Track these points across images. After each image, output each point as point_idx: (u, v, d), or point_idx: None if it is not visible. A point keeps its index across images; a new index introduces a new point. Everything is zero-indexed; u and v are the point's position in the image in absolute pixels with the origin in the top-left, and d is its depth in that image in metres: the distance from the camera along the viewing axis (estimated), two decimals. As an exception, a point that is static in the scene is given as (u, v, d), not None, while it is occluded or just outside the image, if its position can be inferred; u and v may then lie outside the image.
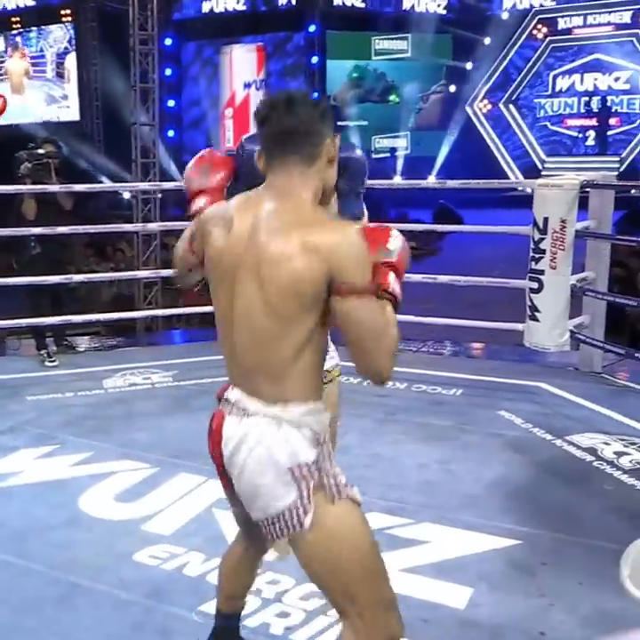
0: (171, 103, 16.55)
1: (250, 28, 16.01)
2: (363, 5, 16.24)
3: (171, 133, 16.30)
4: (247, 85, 16.12)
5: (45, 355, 4.92)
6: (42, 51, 14.97)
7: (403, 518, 2.88)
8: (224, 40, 16.44)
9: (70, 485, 3.15)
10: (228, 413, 1.52)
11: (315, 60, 16.53)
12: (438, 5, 17.20)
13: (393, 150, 17.22)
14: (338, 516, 1.49)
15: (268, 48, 16.32)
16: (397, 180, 14.68)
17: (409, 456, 3.49)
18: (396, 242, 1.53)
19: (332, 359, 2.43)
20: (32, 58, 15.10)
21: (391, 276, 1.50)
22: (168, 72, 16.07)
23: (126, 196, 12.16)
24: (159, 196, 7.70)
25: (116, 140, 12.46)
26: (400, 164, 16.76)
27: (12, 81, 15.38)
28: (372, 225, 1.64)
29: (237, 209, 1.53)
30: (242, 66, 16.12)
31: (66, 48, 14.69)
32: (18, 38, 15.27)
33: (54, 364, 4.88)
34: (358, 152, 2.22)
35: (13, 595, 2.40)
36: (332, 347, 2.41)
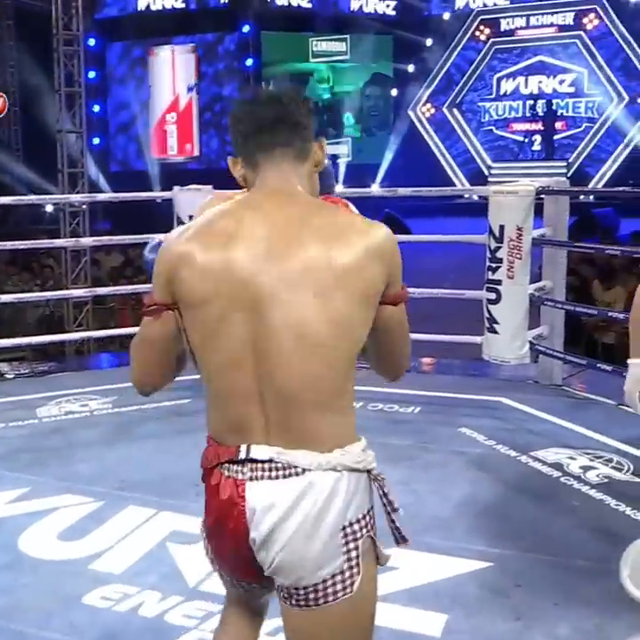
0: (96, 108, 16.38)
1: (179, 28, 16.00)
2: (303, 5, 16.42)
3: (96, 141, 16.11)
4: (190, 89, 16.08)
5: (-30, 383, 4.80)
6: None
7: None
8: (153, 40, 16.37)
9: (7, 525, 3.08)
10: (251, 478, 1.29)
11: (249, 62, 16.62)
12: (387, 6, 17.52)
13: (334, 157, 17.41)
14: (373, 581, 1.38)
15: (199, 50, 16.33)
16: (340, 189, 14.82)
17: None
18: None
19: None
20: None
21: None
22: (92, 75, 15.88)
23: (49, 208, 11.95)
24: (85, 208, 7.62)
25: (37, 149, 12.25)
26: (342, 171, 16.96)
27: None
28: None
29: (231, 215, 1.35)
30: (182, 68, 16.07)
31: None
32: None
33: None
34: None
35: (-48, 648, 2.33)
36: None
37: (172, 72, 16.51)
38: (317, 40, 17.08)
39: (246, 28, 16.29)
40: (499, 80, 18.23)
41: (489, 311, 4.48)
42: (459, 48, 18.39)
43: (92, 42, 15.56)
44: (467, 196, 12.69)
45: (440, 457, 3.77)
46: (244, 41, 16.38)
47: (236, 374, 1.30)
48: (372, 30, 16.97)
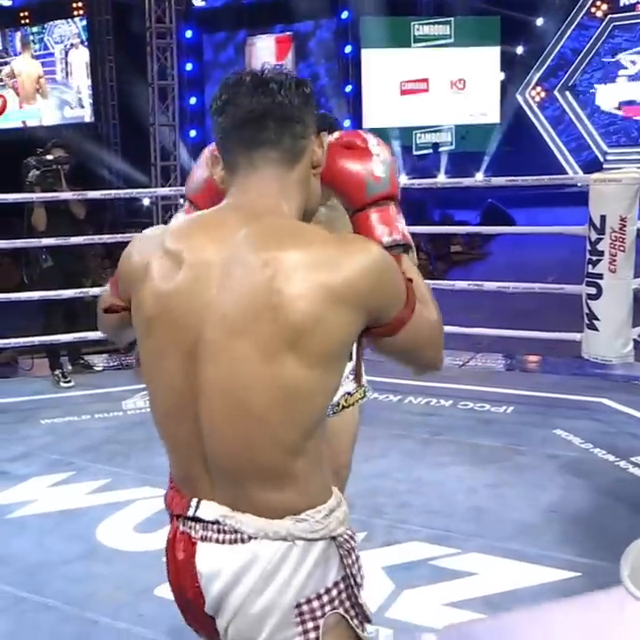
0: (192, 101, 16.74)
1: (277, 17, 16.18)
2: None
3: (193, 133, 16.48)
4: None
5: (60, 375, 5.04)
6: (46, 48, 15.29)
7: (448, 548, 2.90)
8: (250, 30, 16.63)
9: (87, 515, 3.23)
10: (203, 538, 1.16)
11: (348, 49, 16.62)
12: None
13: (435, 146, 17.22)
14: None
15: (296, 38, 16.47)
16: (441, 179, 14.65)
17: (456, 480, 3.50)
18: (382, 159, 1.23)
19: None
20: (40, 57, 15.44)
21: (395, 216, 1.23)
22: (189, 67, 16.27)
23: (146, 202, 12.37)
24: (181, 201, 7.83)
25: (133, 143, 12.69)
26: (444, 160, 16.74)
27: (24, 87, 15.69)
28: (338, 136, 1.28)
29: (188, 238, 1.15)
30: (263, 58, 16.27)
31: (72, 44, 15.00)
32: (20, 33, 15.54)
33: (69, 384, 4.99)
34: None
35: (27, 633, 2.47)
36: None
37: (251, 64, 16.74)
38: (419, 24, 16.92)
39: (345, 14, 16.30)
40: (617, 59, 17.56)
41: (589, 307, 4.34)
42: (572, 26, 17.82)
43: (188, 34, 15.94)
44: (580, 184, 12.29)
45: (531, 460, 3.70)
46: (342, 27, 16.41)
47: (177, 424, 1.16)
48: (477, 11, 16.66)
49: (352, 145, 1.24)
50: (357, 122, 15.97)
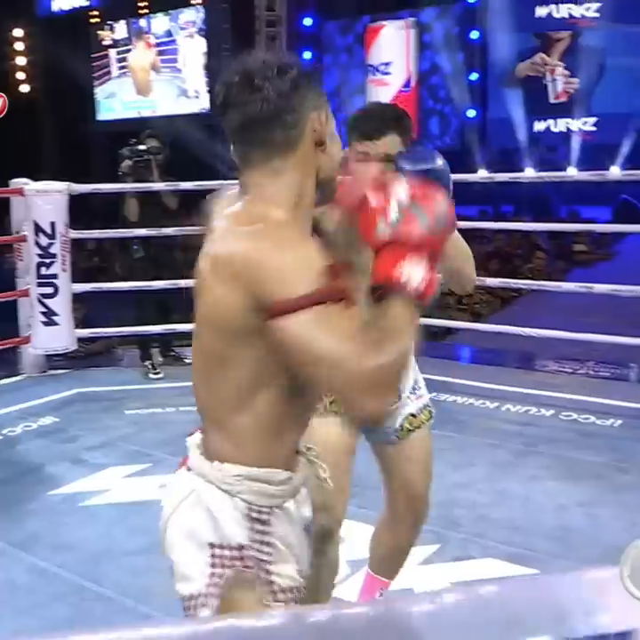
0: (310, 90, 17.02)
1: (401, 3, 16.11)
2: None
3: (309, 124, 16.72)
4: (372, 69, 16.16)
5: (150, 366, 5.21)
6: (170, 35, 15.79)
7: (527, 568, 2.81)
8: (372, 17, 16.63)
9: (156, 508, 3.29)
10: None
11: (475, 34, 16.34)
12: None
13: (565, 136, 16.68)
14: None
15: (418, 24, 16.34)
16: (572, 172, 14.17)
17: (545, 495, 3.40)
18: (401, 205, 1.19)
19: (420, 399, 2.22)
20: (158, 45, 15.96)
21: (399, 262, 1.16)
22: (307, 55, 16.44)
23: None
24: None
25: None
26: (575, 152, 16.20)
27: (137, 79, 16.26)
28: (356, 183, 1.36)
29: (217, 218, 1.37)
30: (385, 46, 16.19)
31: (190, 34, 15.42)
32: (142, 22, 16.05)
33: (158, 376, 5.15)
34: (439, 162, 1.89)
35: (81, 621, 2.56)
36: (420, 382, 2.25)
37: (369, 52, 16.63)
38: (554, 6, 16.42)
39: (473, -3, 16.04)
40: None
41: None
42: None
43: (308, 21, 16.12)
44: None
45: (634, 479, 3.55)
46: (469, 12, 16.15)
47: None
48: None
49: (378, 188, 1.22)
50: (483, 110, 15.74)
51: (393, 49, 16.34)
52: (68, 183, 4.89)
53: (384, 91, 15.75)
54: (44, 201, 4.73)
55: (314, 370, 1.16)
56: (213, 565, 1.28)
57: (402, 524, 2.31)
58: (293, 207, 1.27)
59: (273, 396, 1.27)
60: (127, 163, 5.11)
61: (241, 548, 1.29)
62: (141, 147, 5.18)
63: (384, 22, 16.64)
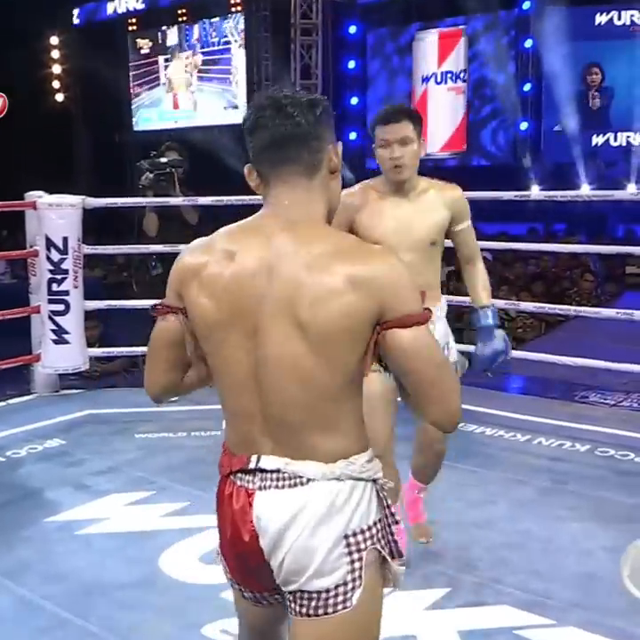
0: (354, 101, 16.98)
1: (449, 10, 16.09)
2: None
3: (353, 136, 16.70)
4: (425, 79, 16.17)
5: (165, 388, 5.21)
6: (214, 45, 16.01)
7: (542, 617, 2.74)
8: (420, 24, 16.64)
9: (154, 539, 3.31)
10: (260, 488, 1.49)
11: (528, 43, 16.25)
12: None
13: (625, 151, 16.47)
14: (377, 598, 1.53)
15: (468, 31, 16.31)
16: (632, 190, 13.95)
17: (570, 538, 3.31)
18: None
19: (451, 353, 2.95)
20: (204, 55, 16.18)
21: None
22: (351, 65, 16.50)
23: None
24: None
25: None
26: (635, 168, 15.96)
27: (175, 88, 16.48)
28: None
29: (237, 240, 1.51)
30: (422, 56, 16.19)
31: (228, 42, 15.60)
32: (195, 29, 16.21)
33: (173, 399, 5.14)
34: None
35: (62, 657, 2.55)
36: (451, 340, 3.00)
37: (414, 61, 16.63)
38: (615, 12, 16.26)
39: (527, 5, 15.96)
40: None
41: None
42: None
43: (352, 29, 16.19)
44: None
45: (670, 524, 3.42)
46: (522, 19, 16.07)
47: (242, 394, 1.50)
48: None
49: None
50: (537, 123, 15.60)
51: (434, 58, 16.35)
52: (82, 197, 4.95)
53: (421, 101, 15.76)
54: (57, 215, 4.80)
55: (436, 372, 1.45)
56: (350, 553, 1.47)
57: (425, 453, 3.18)
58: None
59: (360, 385, 1.50)
60: (148, 176, 5.15)
61: (370, 527, 1.49)
62: (162, 159, 5.22)
63: (432, 30, 16.66)
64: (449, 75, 16.25)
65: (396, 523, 1.54)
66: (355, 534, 1.47)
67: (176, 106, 16.57)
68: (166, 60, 16.47)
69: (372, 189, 2.87)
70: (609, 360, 4.81)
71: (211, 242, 1.53)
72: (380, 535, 1.50)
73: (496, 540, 3.29)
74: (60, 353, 4.99)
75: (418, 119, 2.79)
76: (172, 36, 16.29)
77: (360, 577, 1.47)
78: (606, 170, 15.44)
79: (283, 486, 1.47)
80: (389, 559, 1.51)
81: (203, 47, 16.02)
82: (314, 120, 1.48)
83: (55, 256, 4.86)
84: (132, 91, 17.01)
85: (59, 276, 4.90)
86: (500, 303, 6.10)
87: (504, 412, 4.86)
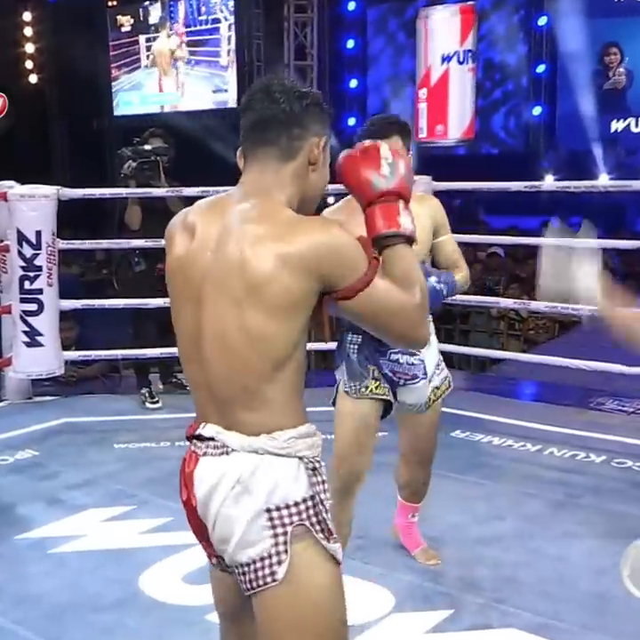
0: (353, 83, 17.00)
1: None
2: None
3: (351, 122, 16.73)
4: (446, 59, 16.13)
5: (147, 394, 5.25)
6: (202, 24, 15.97)
7: (552, 641, 2.76)
8: (424, 1, 16.64)
9: (135, 557, 3.33)
10: (203, 453, 1.65)
11: (542, 21, 16.26)
12: None
13: (645, 139, 16.48)
14: (317, 572, 1.63)
15: (478, 8, 16.31)
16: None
17: (583, 556, 3.34)
18: (389, 163, 1.66)
19: (442, 371, 3.08)
20: (191, 34, 16.15)
21: (399, 211, 1.64)
22: (350, 44, 16.52)
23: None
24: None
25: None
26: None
27: (162, 67, 16.50)
28: (353, 150, 1.73)
29: (201, 212, 1.70)
30: (441, 34, 16.16)
31: (216, 19, 15.54)
32: (180, 5, 16.10)
33: (156, 405, 5.19)
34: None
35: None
36: (440, 358, 3.11)
37: (425, 40, 16.61)
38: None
39: (541, -21, 15.97)
40: None
41: None
42: None
43: (351, 5, 16.20)
44: None
45: (692, 540, 3.44)
46: (536, -6, 16.07)
47: (191, 363, 1.68)
48: None
49: (364, 151, 1.69)
50: (551, 107, 15.60)
51: (442, 37, 16.33)
52: (57, 188, 4.97)
53: (441, 82, 15.75)
54: (29, 207, 4.82)
55: (391, 321, 1.61)
56: (273, 527, 1.58)
57: (413, 463, 3.17)
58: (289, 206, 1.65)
59: (298, 362, 1.62)
60: (130, 164, 5.15)
61: (297, 504, 1.60)
62: (146, 147, 5.23)
63: (439, 6, 16.64)
64: (470, 54, 16.15)
65: (324, 504, 1.63)
66: (278, 509, 1.59)
67: (160, 89, 16.52)
68: (148, 40, 16.42)
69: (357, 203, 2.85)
70: (627, 364, 4.82)
71: (186, 213, 1.73)
72: (310, 512, 1.61)
73: (503, 558, 3.32)
74: (32, 356, 5.00)
75: (407, 132, 2.89)
76: (156, 13, 16.21)
77: (286, 551, 1.58)
78: (626, 158, 15.44)
79: (215, 454, 1.62)
80: (319, 537, 1.60)
81: (189, 25, 15.98)
82: (300, 109, 1.64)
83: (28, 251, 4.88)
84: (112, 72, 16.95)
85: (31, 273, 4.92)
86: (510, 302, 6.16)
87: (513, 420, 4.90)
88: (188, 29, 15.94)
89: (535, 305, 5.73)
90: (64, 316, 5.34)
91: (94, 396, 5.48)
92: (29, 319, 4.94)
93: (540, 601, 3.00)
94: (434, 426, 3.11)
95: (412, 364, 2.96)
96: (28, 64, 16.49)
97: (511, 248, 9.48)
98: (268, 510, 1.58)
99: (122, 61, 16.89)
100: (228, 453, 1.61)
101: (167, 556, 3.32)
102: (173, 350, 5.05)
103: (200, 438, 1.65)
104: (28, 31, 16.34)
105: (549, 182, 9.78)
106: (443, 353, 6.24)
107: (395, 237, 1.63)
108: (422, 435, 3.11)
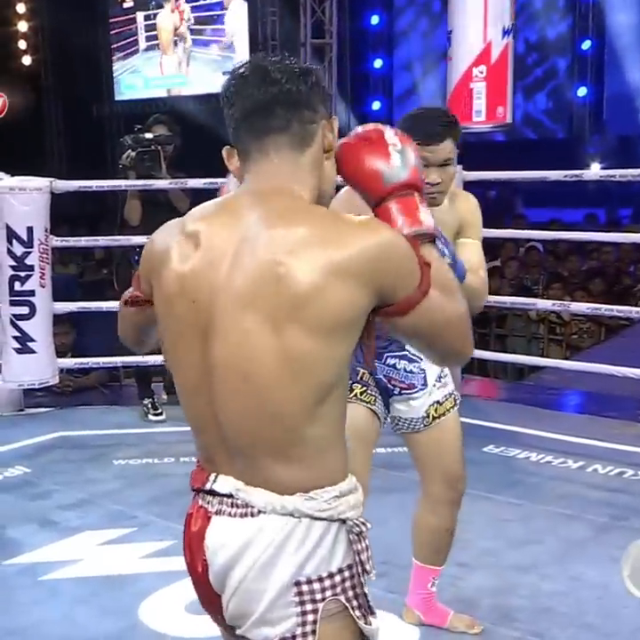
0: (377, 63, 17.00)
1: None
2: None
3: (376, 105, 16.74)
4: (506, 32, 15.80)
5: (149, 405, 5.28)
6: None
7: (594, 681, 2.75)
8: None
9: (134, 584, 3.34)
10: (217, 512, 1.50)
11: (587, -7, 16.19)
12: None
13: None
14: None
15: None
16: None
17: (630, 585, 3.31)
18: (398, 151, 1.55)
19: (445, 387, 2.84)
20: (198, 9, 16.17)
21: (417, 206, 1.53)
22: (375, 20, 16.53)
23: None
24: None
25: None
26: None
27: (162, 42, 16.53)
28: (355, 135, 1.61)
29: (205, 219, 1.53)
30: (496, 4, 15.84)
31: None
32: None
33: (159, 418, 5.21)
34: None
35: None
36: (446, 370, 2.85)
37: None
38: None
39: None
40: None
41: None
42: None
43: (376, -23, 16.24)
44: None
45: None
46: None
47: (196, 400, 1.52)
48: None
49: (366, 138, 1.57)
50: (598, 88, 15.51)
51: (478, 10, 16.22)
52: (50, 180, 5.00)
53: (462, 64, 15.67)
54: (19, 201, 4.85)
55: (442, 335, 1.50)
56: (302, 603, 1.45)
57: (442, 504, 2.88)
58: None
59: (341, 396, 1.49)
60: (130, 154, 5.18)
61: (332, 575, 1.47)
62: (147, 135, 5.25)
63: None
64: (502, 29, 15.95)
65: (366, 573, 1.50)
66: (310, 582, 1.45)
67: (165, 71, 16.59)
68: (147, 18, 16.45)
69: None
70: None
71: (182, 222, 1.56)
72: (346, 584, 1.47)
73: (540, 587, 3.30)
74: (24, 364, 5.03)
75: (459, 132, 2.64)
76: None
77: (313, 632, 1.45)
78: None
79: (235, 514, 1.47)
80: (356, 616, 1.47)
81: (196, 0, 16.03)
82: (306, 89, 1.50)
83: (18, 249, 4.91)
84: (112, 53, 17.02)
85: (22, 274, 4.95)
86: (548, 304, 6.14)
87: (553, 433, 4.88)
88: (195, 3, 15.95)
89: (575, 306, 5.70)
90: (59, 319, 5.38)
91: (92, 408, 5.51)
92: (20, 323, 4.97)
93: (582, 634, 2.99)
94: (452, 444, 2.84)
95: (411, 371, 2.77)
96: (22, 44, 16.61)
97: (552, 244, 9.44)
98: (298, 583, 1.44)
99: (124, 42, 16.95)
100: (252, 515, 1.45)
101: (169, 583, 3.31)
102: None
103: (208, 492, 1.51)
104: (20, 8, 16.41)
105: (595, 171, 9.72)
106: (477, 360, 6.28)
107: (420, 237, 1.50)
108: (449, 456, 2.83)
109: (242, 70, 1.52)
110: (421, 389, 2.77)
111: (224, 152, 1.59)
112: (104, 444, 4.88)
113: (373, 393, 2.77)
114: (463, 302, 1.51)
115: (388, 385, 2.79)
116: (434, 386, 2.78)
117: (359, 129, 1.60)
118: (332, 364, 1.43)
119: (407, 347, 2.70)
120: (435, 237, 1.54)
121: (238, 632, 1.52)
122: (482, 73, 16.49)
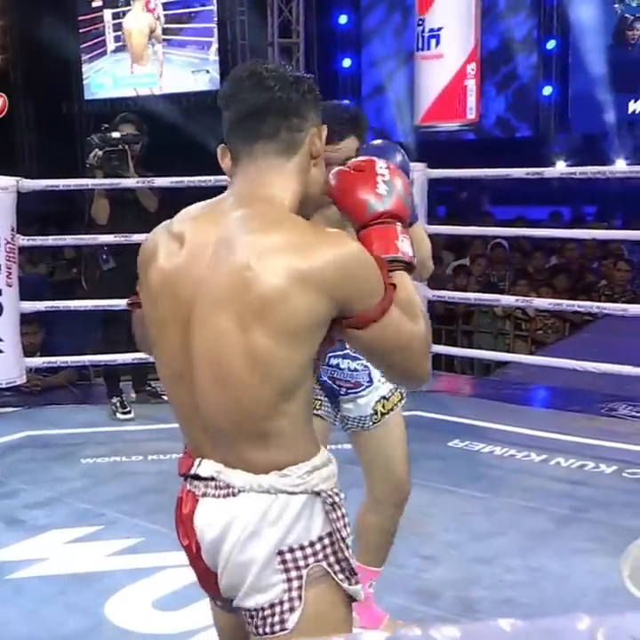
0: (346, 63, 16.96)
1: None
2: None
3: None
4: None
5: (118, 404, 5.26)
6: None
7: (555, 668, 2.76)
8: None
9: (100, 582, 3.33)
10: (202, 494, 1.61)
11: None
12: None
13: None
14: (331, 623, 1.59)
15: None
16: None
17: (590, 575, 3.36)
18: (385, 181, 1.65)
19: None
20: (168, 7, 16.08)
21: (397, 235, 1.63)
22: (343, 19, 16.51)
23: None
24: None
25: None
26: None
27: (132, 45, 16.39)
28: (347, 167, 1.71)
29: (190, 220, 1.63)
30: (439, 7, 15.97)
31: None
32: None
33: (128, 416, 5.20)
34: (399, 157, 2.27)
35: None
36: None
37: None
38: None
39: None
40: None
41: None
42: None
43: (342, -23, 16.22)
44: None
45: None
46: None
47: (179, 389, 1.62)
48: None
49: (359, 168, 1.69)
50: (562, 87, 15.56)
51: (449, 11, 16.23)
52: (17, 179, 4.97)
53: (437, 67, 15.70)
54: (-16, 200, 4.82)
55: (399, 355, 1.57)
56: (286, 571, 1.56)
57: (386, 505, 2.87)
58: (293, 211, 1.60)
59: (306, 392, 1.58)
60: (97, 153, 5.17)
61: (313, 543, 1.57)
62: (114, 134, 5.24)
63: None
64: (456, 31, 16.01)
65: (345, 542, 1.60)
66: (292, 550, 1.56)
67: (135, 70, 16.51)
68: (115, 17, 16.34)
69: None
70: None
71: (170, 222, 1.66)
72: (327, 551, 1.59)
73: (503, 578, 3.33)
74: (-10, 364, 5.01)
75: (364, 127, 2.52)
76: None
77: (299, 597, 1.56)
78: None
79: (218, 496, 1.58)
80: (338, 579, 1.59)
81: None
82: (297, 97, 1.59)
83: (-17, 249, 4.89)
84: (82, 51, 16.90)
85: (-12, 273, 4.92)
86: (512, 300, 6.17)
87: (516, 427, 4.91)
88: (166, 1, 15.86)
89: (538, 302, 5.73)
90: (27, 319, 5.35)
91: (60, 407, 5.48)
92: (-14, 323, 4.95)
93: (541, 625, 3.01)
94: (398, 444, 2.82)
95: (355, 369, 2.71)
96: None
97: (517, 241, 9.50)
98: (281, 552, 1.55)
99: (93, 41, 16.84)
100: (234, 494, 1.57)
101: (136, 580, 3.32)
102: (147, 355, 5.12)
103: (197, 477, 1.61)
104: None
105: (556, 169, 9.77)
106: (444, 356, 6.29)
107: (393, 263, 1.60)
108: (392, 460, 2.82)
109: (239, 74, 1.62)
110: (367, 386, 2.74)
111: (219, 151, 1.67)
112: (72, 442, 4.86)
113: (319, 397, 2.71)
114: (425, 327, 1.58)
115: (334, 386, 2.74)
116: (379, 381, 2.74)
117: (355, 160, 1.73)
118: (295, 365, 1.52)
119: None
120: (412, 267, 1.63)
121: (234, 604, 1.62)
122: (473, 70, 16.48)
